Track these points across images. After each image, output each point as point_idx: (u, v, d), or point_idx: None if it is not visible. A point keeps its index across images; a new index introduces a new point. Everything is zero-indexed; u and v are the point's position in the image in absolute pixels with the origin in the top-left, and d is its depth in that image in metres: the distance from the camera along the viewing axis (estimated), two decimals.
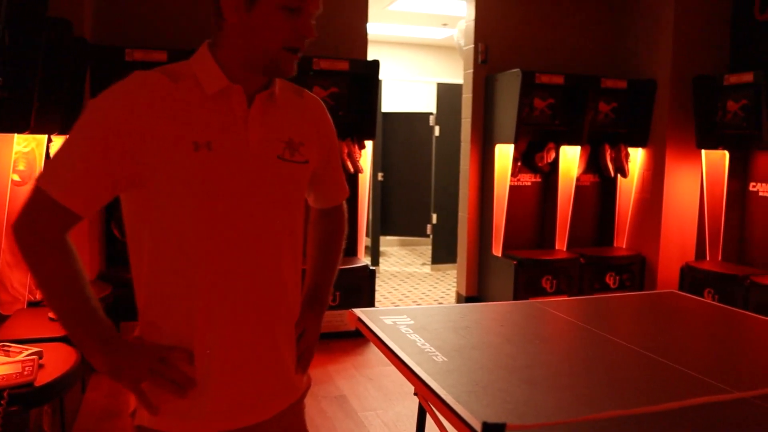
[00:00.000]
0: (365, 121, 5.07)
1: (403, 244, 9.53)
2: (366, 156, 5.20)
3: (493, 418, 1.34)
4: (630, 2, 5.85)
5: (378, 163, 7.86)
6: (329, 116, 1.44)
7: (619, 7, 5.96)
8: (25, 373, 2.29)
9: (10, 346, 2.52)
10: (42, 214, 1.18)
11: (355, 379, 3.96)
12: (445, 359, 1.97)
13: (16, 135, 2.95)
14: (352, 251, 5.32)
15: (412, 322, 2.38)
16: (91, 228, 4.37)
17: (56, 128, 3.56)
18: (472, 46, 5.66)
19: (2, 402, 2.19)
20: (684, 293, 3.10)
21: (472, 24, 5.67)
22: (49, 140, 3.80)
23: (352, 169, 5.17)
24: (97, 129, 1.15)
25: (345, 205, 1.60)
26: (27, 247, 1.20)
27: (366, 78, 4.98)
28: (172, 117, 1.16)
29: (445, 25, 7.58)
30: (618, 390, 1.81)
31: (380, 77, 7.43)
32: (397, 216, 8.49)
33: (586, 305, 2.89)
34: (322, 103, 1.44)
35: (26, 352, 2.45)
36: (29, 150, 3.40)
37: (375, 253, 8.08)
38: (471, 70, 5.71)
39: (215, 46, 1.24)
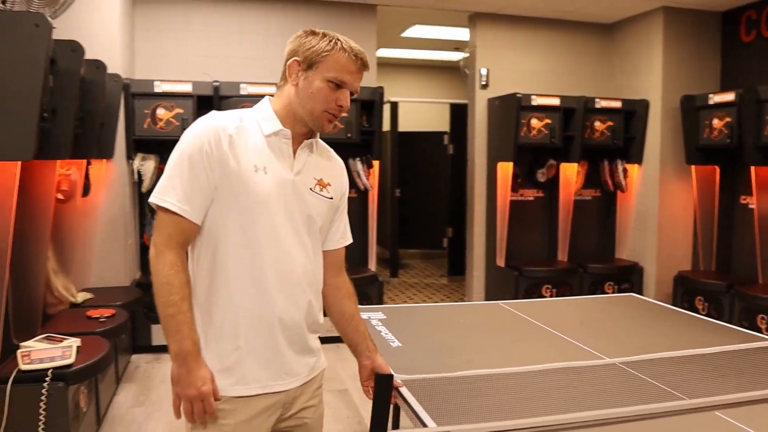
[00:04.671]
0: (372, 143, 5.53)
1: (424, 257, 9.93)
2: (374, 174, 5.64)
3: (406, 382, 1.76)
4: (623, 27, 6.22)
5: (396, 180, 8.32)
6: (346, 174, 1.82)
7: (613, 32, 6.35)
8: (65, 356, 2.80)
9: (54, 337, 3.03)
10: (165, 228, 1.54)
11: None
12: (400, 344, 2.39)
13: (58, 160, 3.46)
14: (363, 261, 5.77)
15: (384, 317, 2.81)
16: (127, 239, 4.91)
17: (93, 153, 4.11)
18: (474, 71, 6.09)
19: (46, 378, 2.69)
20: (642, 297, 3.45)
21: (474, 50, 6.10)
22: (89, 163, 4.35)
23: (362, 187, 5.64)
24: (195, 153, 1.54)
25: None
26: (151, 258, 1.53)
27: (371, 103, 5.44)
28: (242, 147, 1.56)
29: (457, 49, 8.02)
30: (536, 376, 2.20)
31: (396, 99, 7.95)
32: (415, 230, 8.91)
33: (547, 306, 3.27)
34: (342, 163, 1.83)
35: (66, 341, 2.96)
36: (71, 172, 3.94)
37: (394, 265, 8.51)
38: (475, 94, 6.13)
39: (275, 97, 1.67)
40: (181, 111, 5.09)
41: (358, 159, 5.61)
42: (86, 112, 3.86)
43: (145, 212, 5.38)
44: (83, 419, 3.12)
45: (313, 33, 1.63)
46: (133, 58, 5.36)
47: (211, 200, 1.56)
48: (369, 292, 5.41)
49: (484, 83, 6.08)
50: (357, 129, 5.40)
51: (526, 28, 6.18)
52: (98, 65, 3.98)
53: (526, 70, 6.20)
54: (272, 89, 5.48)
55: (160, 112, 5.08)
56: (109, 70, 4.51)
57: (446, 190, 8.34)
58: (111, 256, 4.84)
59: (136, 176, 5.16)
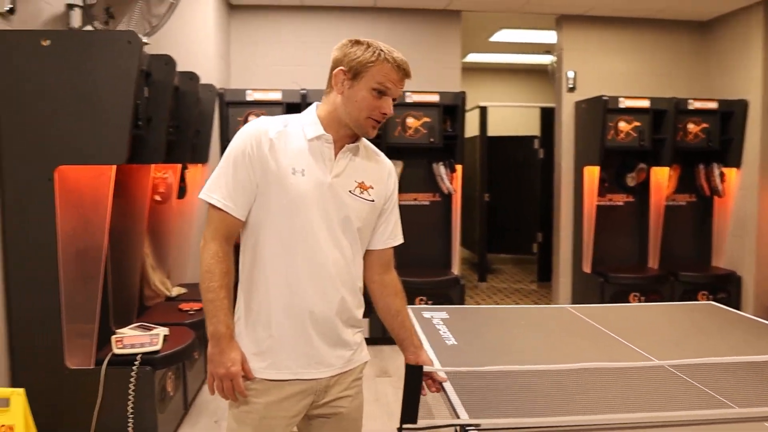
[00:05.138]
0: (454, 147, 5.59)
1: (516, 262, 9.83)
2: (457, 178, 5.69)
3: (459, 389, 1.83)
4: (718, 24, 5.93)
5: (485, 185, 8.30)
6: (395, 176, 1.90)
7: (707, 30, 6.06)
8: (152, 343, 3.06)
9: (146, 325, 3.31)
10: (212, 222, 1.70)
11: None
12: (455, 343, 2.45)
13: (152, 164, 3.76)
14: (446, 264, 5.83)
15: (446, 316, 2.87)
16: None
17: (187, 158, 4.42)
18: (561, 74, 6.01)
19: (135, 362, 2.96)
20: (723, 306, 3.29)
21: (561, 53, 6.03)
22: (184, 167, 4.68)
23: (446, 191, 5.71)
24: (239, 156, 1.69)
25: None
26: (200, 248, 1.70)
27: (454, 108, 5.50)
28: (282, 150, 1.68)
29: (548, 52, 7.90)
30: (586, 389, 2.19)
31: (485, 104, 7.94)
32: (505, 235, 8.85)
33: (616, 312, 3.21)
34: (392, 166, 1.90)
35: (155, 330, 3.22)
36: (168, 176, 4.26)
37: (482, 269, 8.49)
38: (561, 97, 6.05)
39: (321, 103, 1.76)
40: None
41: (441, 163, 5.68)
42: (180, 120, 4.17)
43: None
44: (170, 403, 3.39)
45: (358, 43, 1.72)
46: (228, 68, 5.71)
47: (254, 198, 1.70)
48: (451, 295, 5.46)
49: (571, 86, 5.99)
50: (440, 134, 5.48)
51: (615, 29, 6.03)
52: (191, 76, 4.28)
53: (615, 72, 6.05)
54: None
55: (252, 120, 5.37)
56: (204, 81, 4.83)
57: (536, 194, 8.24)
58: None
59: None
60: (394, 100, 1.74)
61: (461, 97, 5.48)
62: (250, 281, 1.73)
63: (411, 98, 5.41)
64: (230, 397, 1.70)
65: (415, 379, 1.60)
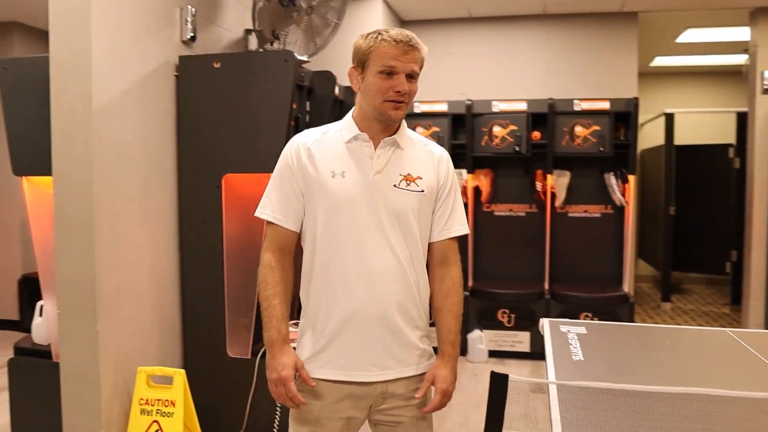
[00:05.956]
0: (625, 157, 5.28)
1: (709, 283, 8.97)
2: (629, 189, 5.37)
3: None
4: None
5: (670, 197, 7.70)
6: (450, 165, 1.86)
7: None
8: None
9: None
10: (267, 234, 1.80)
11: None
12: (581, 359, 2.34)
13: None
14: (616, 280, 5.51)
15: (584, 332, 2.74)
16: None
17: None
18: (756, 73, 5.43)
19: None
20: None
21: (755, 51, 5.45)
22: None
23: (618, 203, 5.42)
24: (283, 170, 1.79)
25: (457, 258, 1.88)
26: (259, 261, 1.79)
27: (626, 115, 5.21)
28: (321, 157, 1.74)
29: (745, 51, 7.15)
30: None
31: (672, 110, 7.40)
32: (693, 251, 8.12)
33: None
34: (444, 154, 1.86)
35: None
36: None
37: (666, 288, 7.86)
38: (755, 100, 5.47)
39: (354, 107, 1.80)
40: (437, 129, 5.48)
41: (611, 173, 5.40)
42: None
43: None
44: None
45: (361, 37, 1.74)
46: None
47: (303, 207, 1.77)
48: (619, 313, 5.15)
49: (767, 87, 5.38)
50: (610, 142, 5.22)
51: None
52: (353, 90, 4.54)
53: None
54: (523, 105, 5.62)
55: (420, 131, 5.52)
56: None
57: (730, 208, 7.45)
58: None
59: None
60: (412, 77, 1.70)
61: (633, 103, 5.17)
62: (308, 286, 1.78)
63: (579, 106, 5.23)
64: (285, 401, 1.73)
65: (500, 389, 1.57)
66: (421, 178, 1.77)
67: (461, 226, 1.86)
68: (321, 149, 1.76)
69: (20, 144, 3.13)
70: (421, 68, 1.74)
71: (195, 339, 3.31)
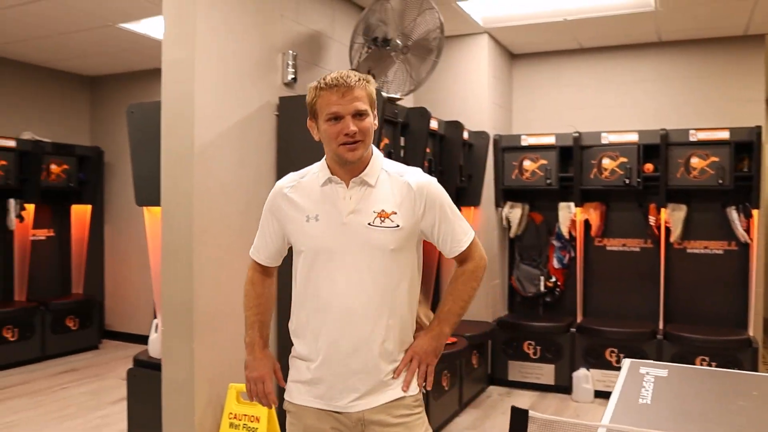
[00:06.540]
0: (749, 189, 4.94)
1: None
2: (753, 225, 5.00)
3: None
4: None
5: None
6: (433, 189, 1.85)
7: None
8: None
9: None
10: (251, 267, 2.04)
11: None
12: (648, 402, 2.26)
13: None
14: (739, 323, 5.12)
15: (664, 374, 2.62)
16: (492, 279, 5.45)
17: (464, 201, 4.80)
18: None
19: None
20: None
21: None
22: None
23: (742, 239, 5.06)
24: (266, 215, 1.95)
25: (478, 254, 1.94)
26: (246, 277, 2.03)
27: (749, 145, 4.88)
28: (296, 201, 1.85)
29: None
30: None
31: None
32: None
33: None
34: (421, 181, 1.84)
35: None
36: None
37: None
38: None
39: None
40: (545, 162, 5.42)
41: (733, 207, 5.07)
42: (445, 165, 4.60)
43: (514, 256, 5.84)
44: (444, 395, 4.01)
45: (308, 89, 1.84)
46: (510, 115, 5.96)
47: (286, 243, 1.94)
48: (740, 359, 4.77)
49: None
50: (730, 174, 4.91)
51: None
52: (457, 125, 4.65)
53: None
54: (633, 136, 5.49)
55: (526, 164, 5.50)
56: (480, 128, 5.21)
57: None
58: (477, 293, 5.42)
59: (505, 222, 5.68)
60: (360, 115, 1.74)
61: (756, 132, 4.83)
62: (295, 320, 1.90)
63: (695, 136, 4.97)
64: (260, 398, 1.94)
65: (520, 423, 1.58)
66: (396, 213, 1.80)
67: (467, 236, 1.90)
68: (297, 194, 1.88)
69: (142, 177, 3.53)
70: (372, 102, 1.79)
71: (285, 360, 3.51)
